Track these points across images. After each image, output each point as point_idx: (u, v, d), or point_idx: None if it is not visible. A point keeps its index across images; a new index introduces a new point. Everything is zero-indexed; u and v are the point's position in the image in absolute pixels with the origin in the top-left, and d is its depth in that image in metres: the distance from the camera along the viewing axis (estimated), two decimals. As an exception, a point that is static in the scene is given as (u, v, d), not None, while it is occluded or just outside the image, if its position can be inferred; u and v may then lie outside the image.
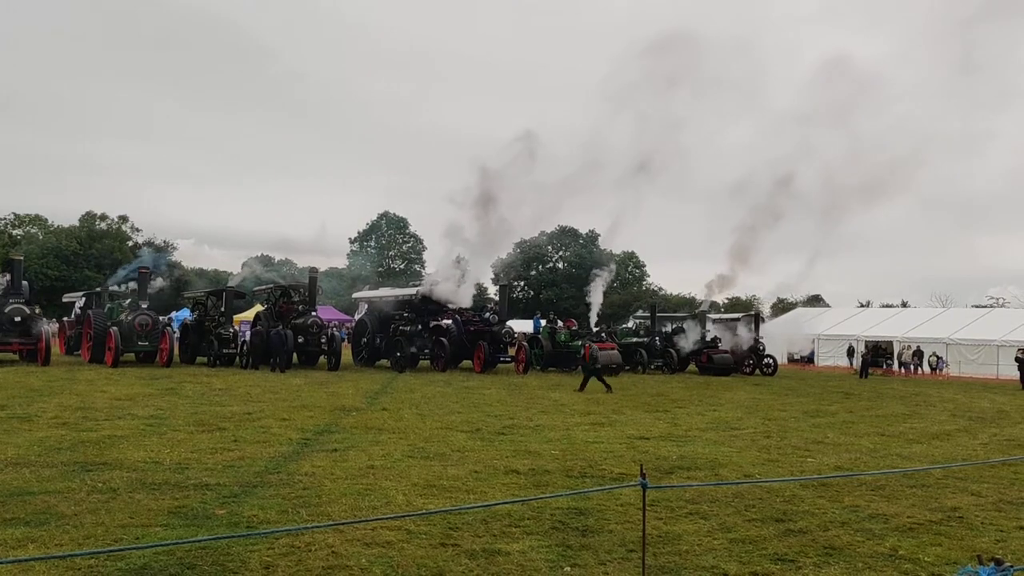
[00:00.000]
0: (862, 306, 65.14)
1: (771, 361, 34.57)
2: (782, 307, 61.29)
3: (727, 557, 6.49)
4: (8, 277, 28.11)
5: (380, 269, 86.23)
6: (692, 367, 34.43)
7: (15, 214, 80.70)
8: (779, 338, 38.69)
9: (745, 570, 6.17)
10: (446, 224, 33.03)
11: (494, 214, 31.78)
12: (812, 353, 45.14)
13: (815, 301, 66.02)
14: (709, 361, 33.06)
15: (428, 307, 30.95)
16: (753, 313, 39.25)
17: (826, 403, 20.98)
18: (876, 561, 6.51)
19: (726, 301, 65.68)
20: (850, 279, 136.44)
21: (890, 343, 42.54)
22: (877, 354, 41.59)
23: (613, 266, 39.98)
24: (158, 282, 36.43)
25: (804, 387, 26.99)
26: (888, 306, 66.19)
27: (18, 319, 26.50)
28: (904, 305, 68.74)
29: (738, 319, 37.01)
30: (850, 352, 42.58)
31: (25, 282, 28.35)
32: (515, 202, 32.04)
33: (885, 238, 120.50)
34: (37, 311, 27.87)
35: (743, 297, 70.92)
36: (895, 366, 40.79)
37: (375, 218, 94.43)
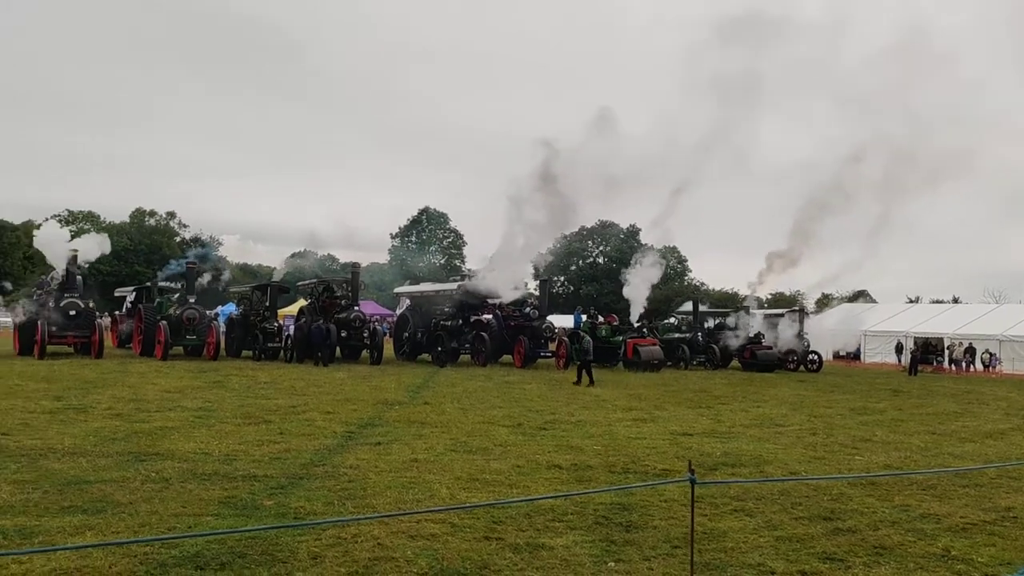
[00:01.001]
0: (911, 302, 63.80)
1: (816, 357, 34.04)
2: (827, 303, 60.28)
3: (774, 555, 6.42)
4: (63, 272, 28.92)
5: (421, 264, 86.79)
6: (735, 363, 34.06)
7: (69, 211, 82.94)
8: (824, 334, 38.04)
9: (793, 568, 6.10)
10: (507, 199, 32.63)
11: (555, 195, 31.28)
12: (858, 349, 44.36)
13: (861, 296, 64.82)
14: (752, 357, 32.67)
15: (469, 302, 31.06)
16: (798, 308, 38.68)
17: (874, 400, 20.60)
18: (928, 561, 6.39)
19: (769, 296, 64.75)
20: (898, 274, 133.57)
21: (940, 340, 41.61)
22: (927, 351, 40.72)
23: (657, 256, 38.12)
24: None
25: (851, 384, 26.53)
26: (938, 302, 64.76)
27: (73, 313, 27.24)
28: (955, 301, 67.22)
29: (782, 314, 36.50)
30: (899, 349, 41.75)
31: (79, 277, 29.12)
32: (577, 183, 31.22)
33: (936, 231, 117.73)
34: (91, 305, 28.62)
35: (787, 292, 69.92)
36: (946, 363, 39.88)
37: (416, 213, 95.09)
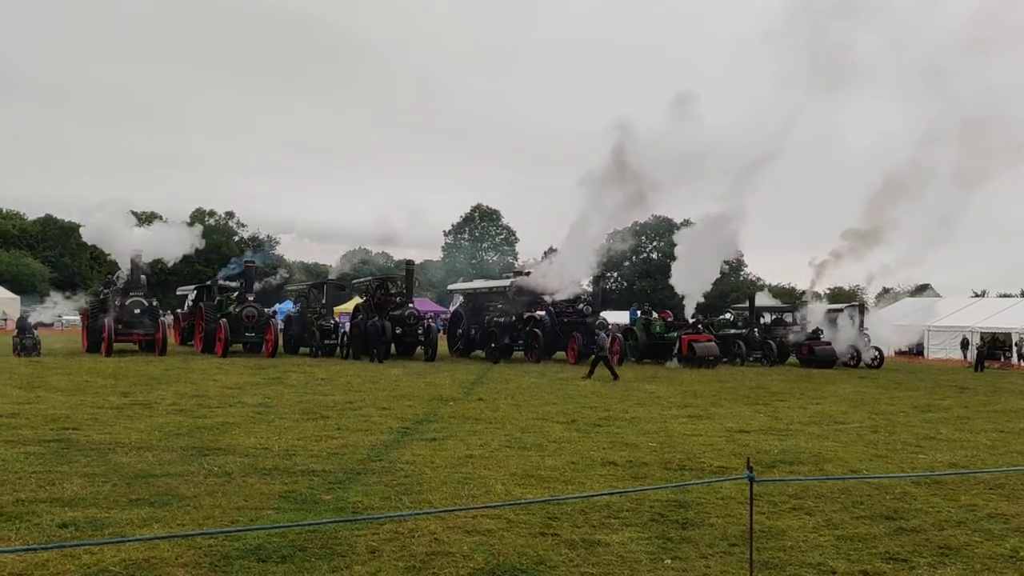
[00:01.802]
0: (977, 295, 61.80)
1: (877, 353, 33.21)
2: (883, 296, 58.73)
3: (835, 554, 6.30)
4: (128, 272, 29.82)
5: (473, 261, 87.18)
6: (792, 359, 33.47)
7: (132, 212, 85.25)
8: (886, 329, 37.04)
9: (854, 568, 5.97)
10: (578, 184, 32.35)
11: (626, 179, 30.72)
12: (921, 345, 43.15)
13: (925, 290, 63.04)
14: (811, 353, 32.06)
15: (522, 298, 31.10)
16: (857, 303, 37.78)
17: (938, 397, 20.03)
18: (995, 563, 6.20)
19: (827, 291, 63.31)
20: (963, 266, 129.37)
21: (1008, 335, 40.23)
22: (994, 346, 39.38)
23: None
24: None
25: (913, 381, 25.85)
26: (1006, 296, 62.60)
27: (138, 311, 28.08)
28: (1024, 295, 64.93)
29: (841, 309, 35.69)
30: (964, 344, 40.47)
31: (143, 276, 29.99)
32: (647, 169, 30.42)
33: (1004, 221, 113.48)
34: (155, 303, 29.46)
35: (846, 287, 68.40)
36: (1014, 359, 38.53)
37: (468, 210, 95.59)
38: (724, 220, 32.94)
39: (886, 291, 61.47)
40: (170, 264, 35.26)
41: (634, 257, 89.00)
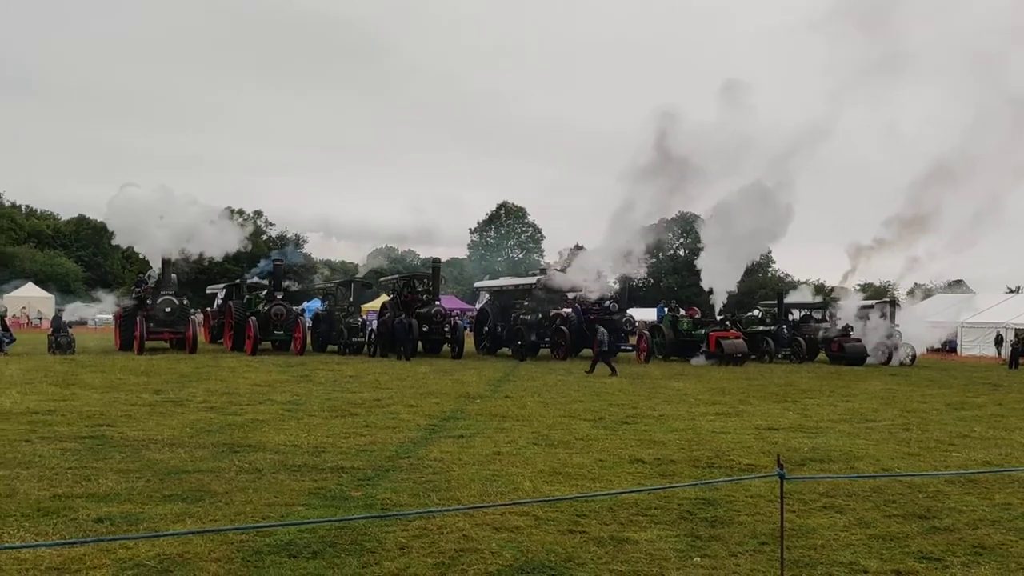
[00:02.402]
0: (1011, 291, 60.73)
1: (911, 350, 32.75)
2: (921, 293, 57.88)
3: (867, 553, 6.23)
4: (159, 271, 30.18)
5: (499, 259, 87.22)
6: (822, 356, 33.12)
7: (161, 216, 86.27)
8: (918, 325, 36.53)
9: (887, 567, 5.90)
10: (617, 178, 32.30)
11: (673, 170, 30.29)
12: (954, 342, 42.48)
13: (958, 286, 62.05)
14: (840, 350, 31.70)
15: (548, 296, 31.07)
16: (888, 299, 37.29)
17: (972, 395, 19.72)
18: (1033, 563, 6.10)
19: (857, 287, 62.52)
20: (996, 262, 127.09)
21: (1045, 331, 39.48)
22: (1030, 343, 38.67)
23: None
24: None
25: (946, 378, 25.47)
26: (1041, 291, 61.44)
27: (168, 310, 28.44)
28: (1060, 290, 63.66)
29: (872, 306, 35.25)
30: (998, 341, 39.80)
31: (174, 275, 30.35)
32: (697, 156, 29.96)
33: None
34: (185, 302, 29.83)
35: (877, 283, 67.45)
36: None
37: (494, 208, 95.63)
38: (769, 193, 31.43)
39: (917, 287, 60.58)
40: (206, 263, 35.44)
41: (661, 254, 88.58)
